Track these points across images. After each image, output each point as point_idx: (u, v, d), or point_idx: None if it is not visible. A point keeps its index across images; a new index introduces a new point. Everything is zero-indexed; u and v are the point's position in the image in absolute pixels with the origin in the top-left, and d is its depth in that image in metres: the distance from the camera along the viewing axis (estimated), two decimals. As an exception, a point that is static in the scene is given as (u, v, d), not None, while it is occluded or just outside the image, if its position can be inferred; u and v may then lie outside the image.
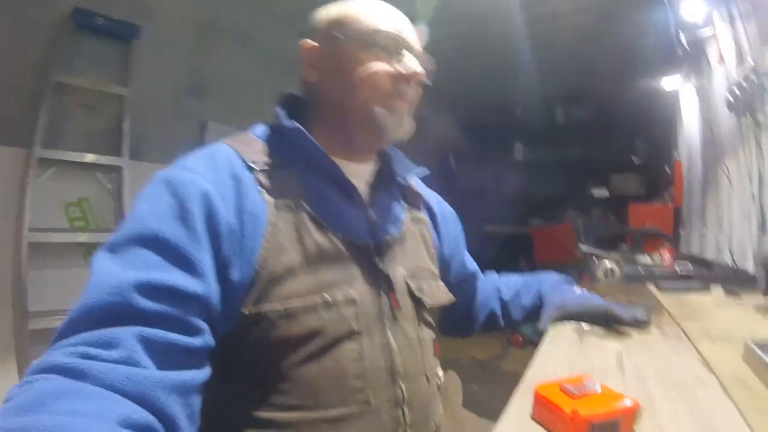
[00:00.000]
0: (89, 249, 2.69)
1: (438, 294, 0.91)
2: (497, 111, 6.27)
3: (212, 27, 3.26)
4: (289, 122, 0.81)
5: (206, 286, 0.64)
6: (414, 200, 0.97)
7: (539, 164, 6.50)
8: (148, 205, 0.66)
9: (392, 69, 0.81)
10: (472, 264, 1.14)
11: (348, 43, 0.82)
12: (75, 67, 2.62)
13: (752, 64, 2.10)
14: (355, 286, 0.76)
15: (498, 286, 1.16)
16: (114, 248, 0.63)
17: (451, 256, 1.05)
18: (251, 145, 0.80)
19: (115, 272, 0.59)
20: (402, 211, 0.92)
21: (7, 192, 2.39)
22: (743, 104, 2.18)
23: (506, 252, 6.07)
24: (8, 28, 2.36)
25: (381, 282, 0.79)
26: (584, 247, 3.65)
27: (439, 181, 6.48)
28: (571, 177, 6.29)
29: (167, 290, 0.60)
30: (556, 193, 6.39)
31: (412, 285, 0.84)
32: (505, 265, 4.99)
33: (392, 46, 0.82)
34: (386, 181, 0.91)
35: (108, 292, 0.57)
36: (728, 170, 2.48)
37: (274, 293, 0.70)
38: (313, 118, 0.86)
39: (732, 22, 2.31)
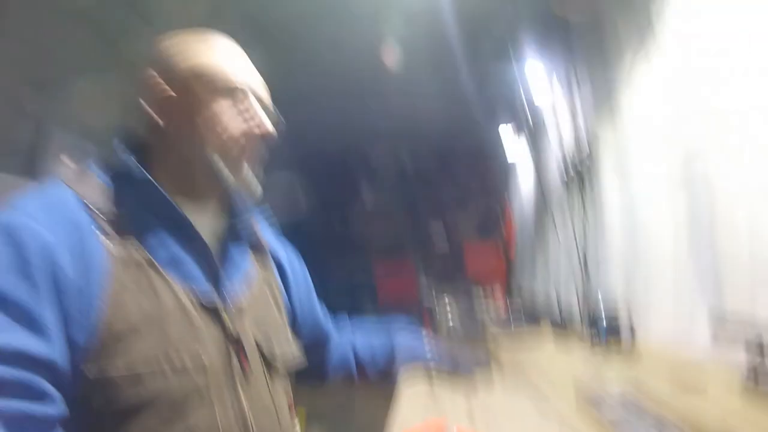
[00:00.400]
0: None
1: (289, 355, 0.89)
2: (343, 149, 6.26)
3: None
4: (135, 168, 0.75)
5: (52, 347, 0.59)
6: (263, 256, 0.94)
7: (386, 202, 6.65)
8: None
9: (245, 126, 0.81)
10: (326, 321, 1.11)
11: (203, 95, 0.80)
12: None
13: (583, 129, 2.46)
14: (204, 348, 0.72)
15: (353, 344, 1.14)
16: None
17: (301, 312, 1.02)
18: (93, 188, 0.73)
19: None
20: (252, 268, 0.89)
21: None
22: (573, 163, 2.53)
23: (352, 286, 6.10)
24: None
25: (231, 343, 0.76)
26: (425, 287, 3.91)
27: (289, 219, 6.41)
28: (415, 215, 6.52)
29: (11, 353, 0.55)
30: (401, 228, 6.52)
31: (263, 346, 0.82)
32: (350, 300, 5.07)
33: (245, 103, 0.82)
34: (236, 235, 0.87)
35: None
36: (555, 219, 2.86)
37: (118, 355, 0.65)
38: (156, 161, 0.81)
39: (570, 86, 2.65)
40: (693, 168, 1.43)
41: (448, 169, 6.34)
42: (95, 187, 0.73)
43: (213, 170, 0.79)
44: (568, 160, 2.46)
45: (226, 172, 0.79)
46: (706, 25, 1.35)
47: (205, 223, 0.82)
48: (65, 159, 2.69)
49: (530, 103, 3.27)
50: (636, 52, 1.80)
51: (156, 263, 0.71)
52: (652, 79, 1.71)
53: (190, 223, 0.77)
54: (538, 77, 2.92)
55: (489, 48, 3.39)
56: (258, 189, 0.85)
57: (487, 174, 5.45)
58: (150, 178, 0.74)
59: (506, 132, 4.19)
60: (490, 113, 4.11)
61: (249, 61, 0.87)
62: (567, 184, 2.64)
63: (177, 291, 0.72)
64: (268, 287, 0.91)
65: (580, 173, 2.40)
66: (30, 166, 2.86)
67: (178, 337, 0.69)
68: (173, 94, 0.80)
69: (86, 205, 0.70)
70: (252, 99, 0.82)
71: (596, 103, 2.29)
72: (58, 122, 2.92)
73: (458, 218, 6.32)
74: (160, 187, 0.74)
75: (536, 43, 2.83)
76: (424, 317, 2.71)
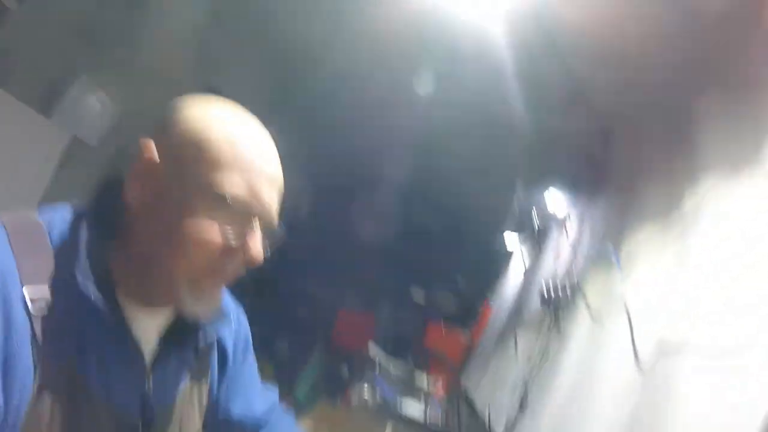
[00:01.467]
0: None
1: None
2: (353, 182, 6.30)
3: None
4: (84, 263, 0.62)
5: None
6: (205, 350, 0.83)
7: (376, 246, 6.44)
8: None
9: (228, 244, 0.66)
10: (261, 408, 0.97)
11: (190, 183, 0.65)
12: None
13: (573, 274, 2.44)
14: None
15: None
16: None
17: (228, 398, 0.92)
18: (38, 253, 0.62)
19: None
20: (186, 368, 0.79)
21: None
22: (553, 301, 2.49)
23: (311, 318, 6.12)
24: None
25: None
26: (372, 349, 3.83)
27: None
28: (399, 270, 6.44)
29: None
30: (381, 278, 6.48)
31: None
32: (304, 332, 4.98)
33: (241, 215, 0.66)
34: (182, 331, 0.75)
35: None
36: (517, 342, 2.79)
37: None
38: (119, 240, 0.68)
39: (580, 228, 2.67)
40: (660, 361, 1.37)
41: (449, 244, 6.30)
42: (42, 257, 0.62)
43: (174, 295, 0.67)
44: (551, 298, 2.41)
45: (188, 304, 0.67)
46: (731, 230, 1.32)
47: (150, 326, 0.72)
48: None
49: (542, 228, 3.29)
50: (657, 226, 1.77)
51: (82, 374, 0.62)
52: (658, 255, 1.68)
53: (128, 333, 0.67)
54: (557, 202, 2.94)
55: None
56: (214, 311, 0.73)
57: (483, 265, 5.43)
58: (97, 289, 0.62)
59: (511, 241, 4.19)
60: (506, 220, 4.14)
61: (275, 160, 0.72)
62: (543, 315, 2.60)
63: (98, 406, 0.64)
64: (197, 387, 0.82)
65: (557, 311, 2.36)
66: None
67: None
68: (159, 161, 0.66)
69: (20, 281, 0.59)
70: (251, 213, 0.67)
71: (596, 254, 2.27)
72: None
73: (438, 294, 6.28)
74: (107, 294, 0.63)
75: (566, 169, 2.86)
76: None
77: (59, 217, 0.66)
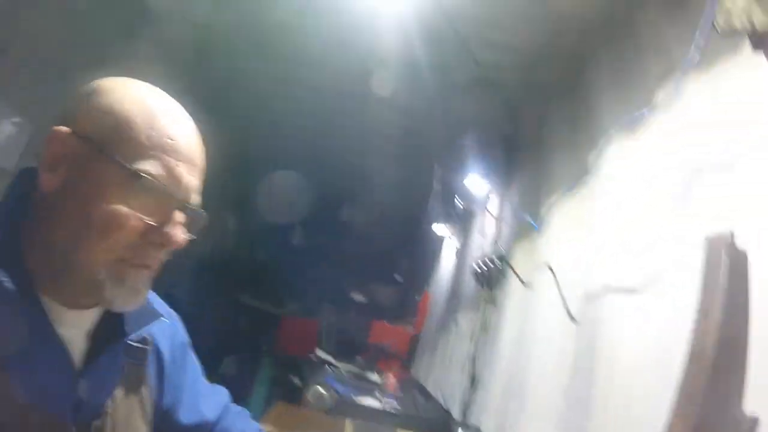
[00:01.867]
0: None
1: None
2: (287, 188, 6.36)
3: None
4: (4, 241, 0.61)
5: None
6: (139, 352, 0.79)
7: (311, 251, 6.64)
8: None
9: (146, 226, 0.63)
10: (211, 411, 0.95)
11: (104, 165, 0.62)
12: None
13: (500, 247, 2.57)
14: None
15: None
16: None
17: (174, 404, 0.89)
18: None
19: None
20: (118, 373, 0.75)
21: None
22: (485, 276, 2.61)
23: (254, 328, 6.00)
24: None
25: None
26: (320, 353, 3.83)
27: (217, 241, 6.33)
28: (337, 273, 6.47)
29: None
30: (319, 283, 6.47)
31: None
32: (249, 341, 4.89)
33: (158, 197, 0.64)
34: (111, 332, 0.72)
35: None
36: (458, 322, 2.90)
37: None
38: (36, 234, 0.64)
39: (501, 203, 2.82)
40: (588, 308, 1.49)
41: (380, 240, 6.41)
42: None
43: (93, 284, 0.63)
44: (483, 273, 2.53)
45: (109, 292, 0.63)
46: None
47: (77, 326, 0.68)
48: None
49: (465, 209, 3.42)
50: (566, 188, 1.91)
51: (9, 384, 0.58)
52: (569, 214, 1.82)
53: (51, 327, 0.63)
54: (476, 183, 3.07)
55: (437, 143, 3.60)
56: (137, 305, 0.68)
57: (416, 256, 5.57)
58: (21, 266, 0.61)
59: (441, 229, 4.32)
60: (432, 209, 4.25)
61: (195, 140, 0.69)
62: (478, 291, 2.72)
63: (27, 418, 0.60)
64: (135, 396, 0.78)
65: (490, 285, 2.47)
66: None
67: None
68: (73, 142, 0.63)
69: None
70: (173, 191, 0.65)
71: (518, 225, 2.41)
72: None
73: (377, 291, 6.36)
74: (25, 272, 0.61)
75: (480, 150, 2.99)
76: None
77: None
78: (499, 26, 2.21)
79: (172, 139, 0.64)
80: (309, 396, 2.45)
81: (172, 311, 0.91)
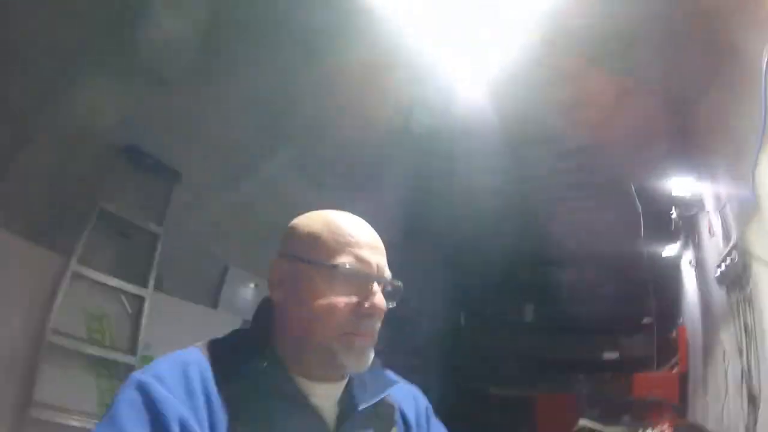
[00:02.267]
0: (101, 362, 2.79)
1: None
2: (507, 272, 6.44)
3: (244, 175, 3.61)
4: (256, 353, 0.79)
5: None
6: (387, 415, 0.91)
7: (549, 326, 6.43)
8: (129, 417, 0.67)
9: (353, 304, 0.79)
10: None
11: (310, 271, 0.80)
12: (120, 198, 2.92)
13: (736, 240, 2.25)
14: None
15: None
16: None
17: None
18: (226, 360, 0.79)
19: None
20: None
21: (39, 291, 2.61)
22: (731, 278, 2.28)
23: (510, 416, 5.85)
24: (67, 151, 2.71)
25: None
26: (584, 422, 3.56)
27: (450, 340, 6.58)
28: (581, 339, 6.20)
29: None
30: (565, 355, 6.24)
31: None
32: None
33: (355, 280, 0.80)
34: (356, 399, 0.85)
35: None
36: (723, 342, 2.50)
37: None
38: (281, 335, 0.83)
39: (718, 199, 2.50)
40: None
41: (613, 289, 5.95)
42: (228, 358, 0.78)
43: (329, 355, 0.79)
44: (728, 275, 2.22)
45: (342, 358, 0.78)
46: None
47: (327, 397, 0.83)
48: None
49: (685, 218, 3.08)
50: None
51: None
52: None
53: (311, 406, 0.79)
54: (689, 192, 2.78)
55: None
56: (365, 368, 0.82)
57: (656, 290, 4.99)
58: (273, 360, 0.78)
59: (671, 250, 3.90)
60: (653, 231, 3.91)
61: (367, 229, 0.86)
62: (729, 296, 2.36)
63: None
64: None
65: (739, 284, 2.14)
66: (212, 297, 3.58)
67: None
68: (284, 264, 0.84)
69: (216, 379, 0.74)
70: (364, 275, 0.80)
71: (742, 206, 2.10)
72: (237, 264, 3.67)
73: (629, 342, 5.77)
74: (278, 362, 0.78)
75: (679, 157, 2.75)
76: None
77: (238, 334, 0.88)
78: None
79: (352, 236, 0.82)
80: None
81: (411, 384, 1.03)
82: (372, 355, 0.82)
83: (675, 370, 3.74)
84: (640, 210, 3.23)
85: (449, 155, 3.71)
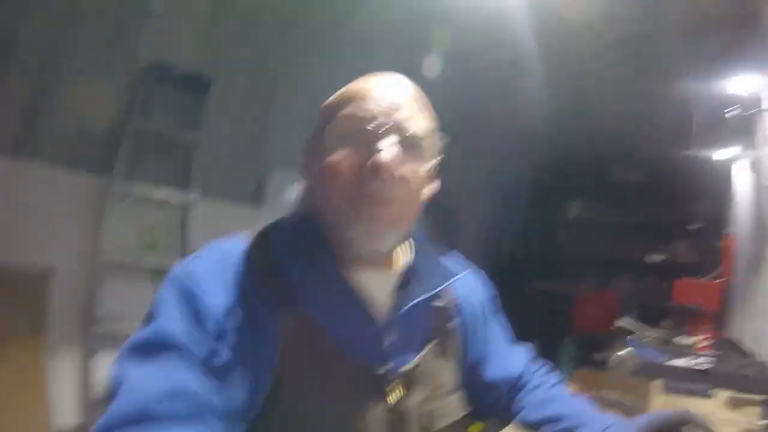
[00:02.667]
0: (155, 272, 2.96)
1: (449, 412, 0.82)
2: (555, 168, 6.25)
3: (277, 76, 3.57)
4: (296, 241, 0.75)
5: (235, 398, 0.63)
6: (445, 308, 0.86)
7: (593, 224, 6.28)
8: (168, 312, 0.65)
9: (356, 164, 0.70)
10: (516, 366, 0.97)
11: (326, 132, 0.73)
12: (153, 112, 2.98)
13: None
14: (364, 422, 0.71)
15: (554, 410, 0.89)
16: (141, 354, 0.62)
17: (481, 360, 0.93)
18: (270, 250, 0.74)
19: (143, 379, 0.59)
20: (426, 327, 0.82)
21: (89, 214, 2.77)
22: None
23: (550, 312, 5.85)
24: (96, 73, 2.73)
25: (394, 420, 0.73)
26: (623, 322, 3.51)
27: (494, 223, 6.56)
28: (625, 240, 6.01)
29: (191, 395, 0.59)
30: (608, 255, 6.08)
31: (423, 412, 0.77)
32: (547, 325, 4.88)
33: (359, 135, 0.70)
34: (412, 291, 0.78)
35: (137, 400, 0.57)
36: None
37: (281, 425, 0.67)
38: (318, 220, 0.77)
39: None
40: None
41: (660, 192, 5.68)
42: (276, 244, 0.75)
43: (339, 228, 0.73)
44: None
45: (349, 230, 0.72)
46: None
47: (379, 277, 0.78)
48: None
49: (743, 118, 2.76)
50: None
51: (323, 333, 0.70)
52: None
53: (358, 298, 0.74)
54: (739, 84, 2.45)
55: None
56: (375, 245, 0.73)
57: (706, 196, 4.72)
58: (311, 248, 0.74)
59: (723, 154, 3.58)
60: (705, 134, 3.59)
61: (394, 86, 0.75)
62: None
63: (341, 362, 0.71)
64: (443, 348, 0.84)
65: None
66: (256, 198, 3.63)
67: (338, 411, 0.69)
68: (307, 150, 0.78)
69: (259, 270, 0.71)
70: (380, 126, 0.70)
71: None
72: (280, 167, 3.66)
73: (673, 247, 5.60)
74: (319, 243, 0.74)
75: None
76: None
77: (283, 223, 0.81)
78: None
79: (360, 90, 0.73)
80: (611, 361, 2.33)
81: (477, 270, 0.97)
82: (391, 230, 0.73)
83: (718, 280, 3.60)
84: (692, 109, 2.89)
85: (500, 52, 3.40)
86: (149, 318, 0.65)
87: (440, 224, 0.78)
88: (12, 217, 2.46)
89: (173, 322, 0.63)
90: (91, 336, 2.69)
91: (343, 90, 0.75)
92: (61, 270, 2.62)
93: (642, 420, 0.75)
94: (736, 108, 2.61)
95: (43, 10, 2.51)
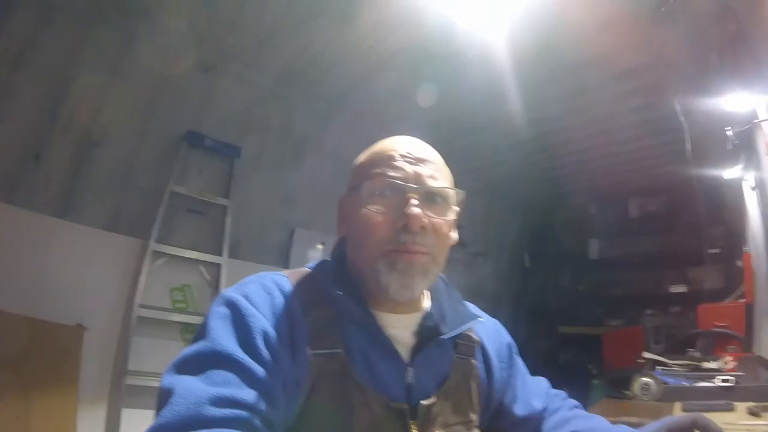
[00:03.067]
0: (186, 327, 3.17)
1: None
2: (570, 208, 6.37)
3: (301, 142, 3.91)
4: (334, 282, 0.81)
5: (277, 412, 0.68)
6: (467, 348, 0.92)
7: (614, 261, 6.26)
8: (219, 329, 0.71)
9: (390, 217, 0.78)
10: (539, 402, 1.01)
11: (356, 194, 0.81)
12: (187, 178, 3.30)
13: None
14: None
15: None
16: (193, 366, 0.66)
17: (509, 400, 0.98)
18: (309, 286, 0.82)
19: (196, 387, 0.63)
20: (448, 365, 0.88)
21: (125, 273, 2.98)
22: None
23: (579, 354, 5.87)
24: (135, 141, 3.05)
25: None
26: (648, 354, 3.46)
27: (515, 281, 6.59)
28: (647, 273, 6.02)
29: (240, 402, 0.63)
30: (632, 290, 6.10)
31: None
32: (577, 368, 4.81)
33: (390, 192, 0.79)
34: (434, 330, 0.85)
35: (190, 404, 0.61)
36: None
37: None
38: (353, 268, 0.86)
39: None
40: None
41: (676, 220, 5.70)
42: (312, 286, 0.82)
43: (375, 279, 0.79)
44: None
45: (385, 280, 0.78)
46: None
47: (403, 319, 0.85)
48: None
49: (741, 136, 2.81)
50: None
51: (350, 367, 0.76)
52: None
53: (379, 326, 0.81)
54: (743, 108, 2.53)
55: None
56: (410, 292, 0.80)
57: (719, 218, 4.69)
58: (338, 292, 0.79)
59: (731, 173, 3.60)
60: (712, 156, 3.64)
61: (415, 146, 0.85)
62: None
63: (366, 394, 0.75)
64: (463, 380, 0.89)
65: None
66: (283, 259, 3.83)
67: None
68: (345, 201, 0.87)
69: (301, 303, 0.78)
70: (404, 186, 0.79)
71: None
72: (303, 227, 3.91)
73: (695, 274, 5.50)
74: (350, 289, 0.81)
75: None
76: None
77: (322, 264, 0.91)
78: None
79: (388, 151, 0.83)
80: (635, 387, 2.32)
81: (494, 319, 1.04)
82: (421, 278, 0.80)
83: (742, 300, 3.54)
84: (687, 132, 2.95)
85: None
86: (200, 335, 0.71)
87: (465, 273, 0.87)
88: (52, 272, 2.66)
89: (224, 338, 0.69)
90: (121, 388, 2.79)
91: (372, 150, 0.86)
92: (96, 324, 2.77)
93: (655, 425, 0.80)
94: (735, 126, 2.66)
95: (85, 76, 2.79)
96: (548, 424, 0.96)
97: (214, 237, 3.40)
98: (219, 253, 3.35)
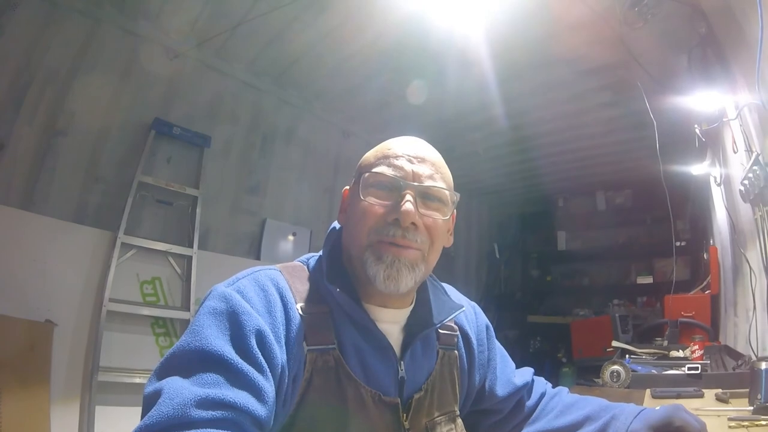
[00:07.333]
0: (157, 321, 3.09)
1: None
2: (539, 201, 6.51)
3: (270, 132, 3.86)
4: (328, 277, 0.82)
5: (268, 412, 0.66)
6: (449, 338, 0.95)
7: (582, 253, 6.46)
8: (210, 327, 0.69)
9: (383, 210, 0.80)
10: (520, 379, 1.04)
11: (356, 184, 0.84)
12: (155, 168, 3.20)
13: (758, 153, 2.10)
14: None
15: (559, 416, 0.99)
16: (182, 366, 0.66)
17: (490, 382, 1.02)
18: (302, 281, 0.83)
19: (183, 388, 0.62)
20: (434, 357, 0.91)
21: (93, 266, 2.87)
22: (755, 194, 2.15)
23: (548, 343, 6.04)
24: (102, 129, 2.94)
25: None
26: (617, 343, 3.54)
27: (485, 272, 6.69)
28: (614, 265, 6.25)
29: (238, 409, 0.63)
30: (599, 281, 6.31)
31: None
32: (546, 356, 4.92)
33: (387, 187, 0.82)
34: (421, 324, 0.88)
35: (176, 405, 0.60)
36: (749, 260, 2.40)
37: None
38: (346, 257, 0.87)
39: (740, 112, 2.34)
40: None
41: (643, 213, 5.87)
42: (304, 281, 0.83)
43: (363, 269, 0.81)
44: (751, 191, 2.10)
45: (371, 270, 0.79)
46: None
47: (393, 322, 0.86)
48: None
49: (708, 134, 2.89)
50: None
51: (344, 362, 0.78)
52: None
53: (372, 322, 0.82)
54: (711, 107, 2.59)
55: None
56: (396, 284, 0.80)
57: (685, 212, 4.83)
58: (333, 287, 0.81)
59: (699, 169, 3.70)
60: (680, 151, 3.71)
61: (416, 146, 0.87)
62: (754, 213, 2.24)
63: (360, 388, 0.77)
64: (447, 371, 0.92)
65: (763, 199, 2.02)
66: (254, 250, 3.77)
67: (356, 430, 0.75)
68: (347, 193, 0.90)
69: (295, 299, 0.79)
70: (402, 182, 0.81)
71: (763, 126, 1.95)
72: (273, 217, 3.85)
73: (661, 266, 5.67)
74: (343, 284, 0.81)
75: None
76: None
77: (313, 258, 0.92)
78: None
79: (390, 149, 0.86)
80: (605, 375, 2.37)
81: (471, 302, 1.07)
82: (409, 272, 0.80)
83: (707, 291, 3.65)
84: (655, 128, 3.01)
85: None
86: (191, 331, 0.70)
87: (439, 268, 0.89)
88: (18, 267, 2.56)
89: (215, 336, 0.68)
90: (93, 385, 2.71)
91: (377, 148, 0.88)
92: (65, 320, 2.68)
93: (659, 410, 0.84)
94: (703, 123, 2.73)
95: (49, 64, 2.70)
96: (549, 407, 1.01)
97: (184, 228, 3.32)
98: (189, 245, 3.27)
